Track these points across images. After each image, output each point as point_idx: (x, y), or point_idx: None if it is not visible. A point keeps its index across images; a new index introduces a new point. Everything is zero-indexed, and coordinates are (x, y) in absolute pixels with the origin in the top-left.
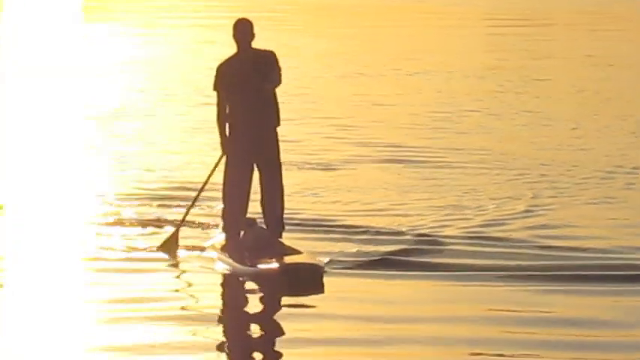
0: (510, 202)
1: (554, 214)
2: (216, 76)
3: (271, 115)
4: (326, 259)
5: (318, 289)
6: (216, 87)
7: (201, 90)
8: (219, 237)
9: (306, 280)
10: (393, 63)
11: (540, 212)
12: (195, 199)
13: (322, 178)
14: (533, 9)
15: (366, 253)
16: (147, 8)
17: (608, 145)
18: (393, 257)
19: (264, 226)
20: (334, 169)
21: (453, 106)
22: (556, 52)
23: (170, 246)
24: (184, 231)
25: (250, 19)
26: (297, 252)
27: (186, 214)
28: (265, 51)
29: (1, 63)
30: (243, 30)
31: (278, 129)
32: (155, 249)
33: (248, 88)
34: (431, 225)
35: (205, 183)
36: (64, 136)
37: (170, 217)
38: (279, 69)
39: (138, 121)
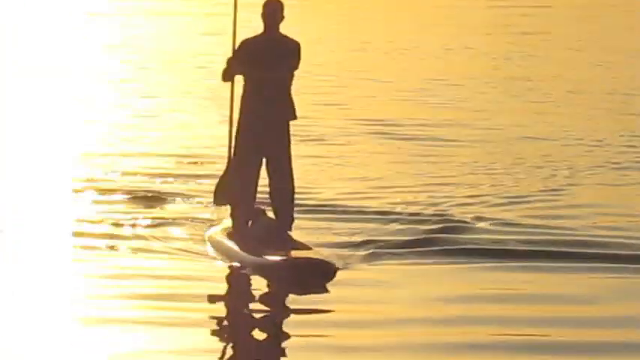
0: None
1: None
2: (238, 49)
3: (285, 106)
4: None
5: (326, 285)
6: (236, 52)
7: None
8: (224, 224)
9: (316, 276)
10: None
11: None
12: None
13: (318, 152)
14: None
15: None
16: None
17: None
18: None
19: (272, 217)
20: (328, 144)
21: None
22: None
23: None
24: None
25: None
26: (306, 247)
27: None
28: (292, 41)
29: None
30: (272, 10)
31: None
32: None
33: (267, 73)
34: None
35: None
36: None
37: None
38: (298, 59)
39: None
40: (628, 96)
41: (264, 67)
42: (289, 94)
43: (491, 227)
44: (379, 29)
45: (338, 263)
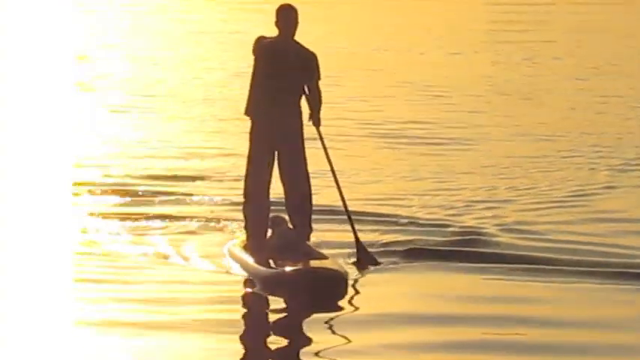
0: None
1: (601, 202)
2: (256, 43)
3: (297, 105)
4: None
5: (340, 296)
6: (255, 52)
7: None
8: (239, 238)
9: (327, 287)
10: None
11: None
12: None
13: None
14: None
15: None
16: None
17: None
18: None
19: (290, 226)
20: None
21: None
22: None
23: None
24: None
25: (294, 5)
26: (323, 257)
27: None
28: (309, 51)
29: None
30: (287, 17)
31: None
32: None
33: (283, 77)
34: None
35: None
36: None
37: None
38: (318, 77)
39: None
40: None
41: (282, 75)
42: (299, 104)
43: (514, 235)
44: (375, 33)
45: (352, 273)
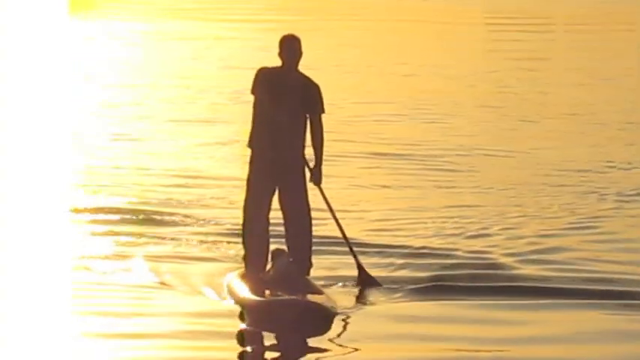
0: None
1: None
2: (255, 79)
3: (298, 138)
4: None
5: (322, 330)
6: (253, 91)
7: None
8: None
9: (312, 320)
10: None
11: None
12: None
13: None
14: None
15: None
16: None
17: None
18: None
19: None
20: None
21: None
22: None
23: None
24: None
25: (298, 35)
26: (319, 292)
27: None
28: (311, 82)
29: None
30: (290, 48)
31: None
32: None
33: (284, 106)
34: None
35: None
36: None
37: None
38: (321, 110)
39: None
40: None
41: (282, 105)
42: (303, 134)
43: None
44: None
45: (340, 308)
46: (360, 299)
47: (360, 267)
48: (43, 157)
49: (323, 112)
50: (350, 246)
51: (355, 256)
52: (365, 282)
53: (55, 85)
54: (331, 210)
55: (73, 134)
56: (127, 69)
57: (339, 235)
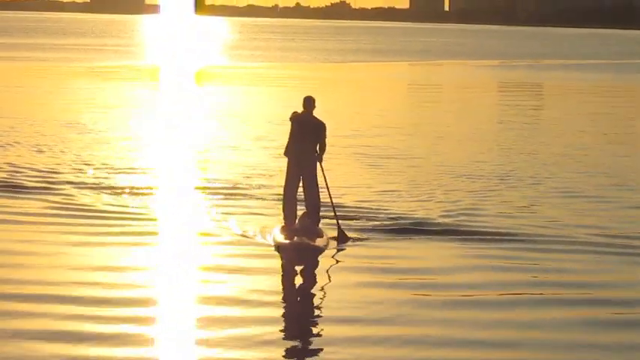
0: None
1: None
2: (292, 117)
3: (312, 151)
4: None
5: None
6: (291, 119)
7: None
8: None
9: (308, 253)
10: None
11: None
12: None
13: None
14: None
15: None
16: None
17: None
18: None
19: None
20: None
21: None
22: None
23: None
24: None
25: (313, 96)
26: (322, 235)
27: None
28: (321, 122)
29: None
30: (308, 103)
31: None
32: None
33: (301, 137)
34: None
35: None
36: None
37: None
38: (325, 137)
39: None
40: None
41: (306, 133)
42: (315, 149)
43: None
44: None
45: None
46: (340, 243)
47: (338, 226)
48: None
49: (326, 137)
50: (334, 211)
51: (336, 218)
52: (342, 238)
53: None
54: (326, 181)
55: None
56: None
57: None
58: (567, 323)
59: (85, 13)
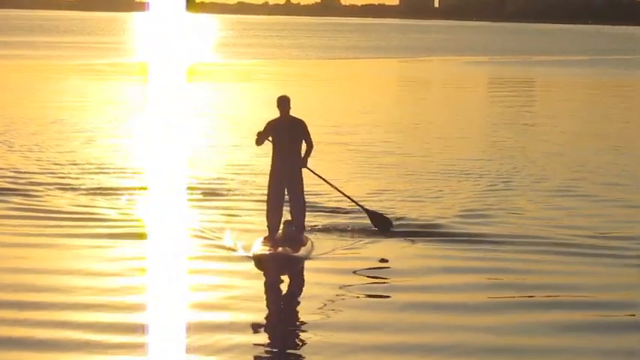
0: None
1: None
2: (266, 126)
3: (295, 157)
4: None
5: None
6: (264, 129)
7: None
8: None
9: (293, 263)
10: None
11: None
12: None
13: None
14: None
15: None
16: None
17: None
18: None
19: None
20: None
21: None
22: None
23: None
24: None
25: (288, 95)
26: (305, 244)
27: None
28: (298, 120)
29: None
30: (283, 103)
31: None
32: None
33: (283, 141)
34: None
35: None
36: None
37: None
38: (308, 134)
39: None
40: None
41: (283, 138)
42: (300, 152)
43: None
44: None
45: (311, 254)
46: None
47: (367, 211)
48: None
49: (311, 144)
50: (354, 201)
51: (361, 206)
52: (378, 222)
53: None
54: (326, 181)
55: None
56: None
57: (324, 203)
58: (551, 327)
59: (75, 11)
